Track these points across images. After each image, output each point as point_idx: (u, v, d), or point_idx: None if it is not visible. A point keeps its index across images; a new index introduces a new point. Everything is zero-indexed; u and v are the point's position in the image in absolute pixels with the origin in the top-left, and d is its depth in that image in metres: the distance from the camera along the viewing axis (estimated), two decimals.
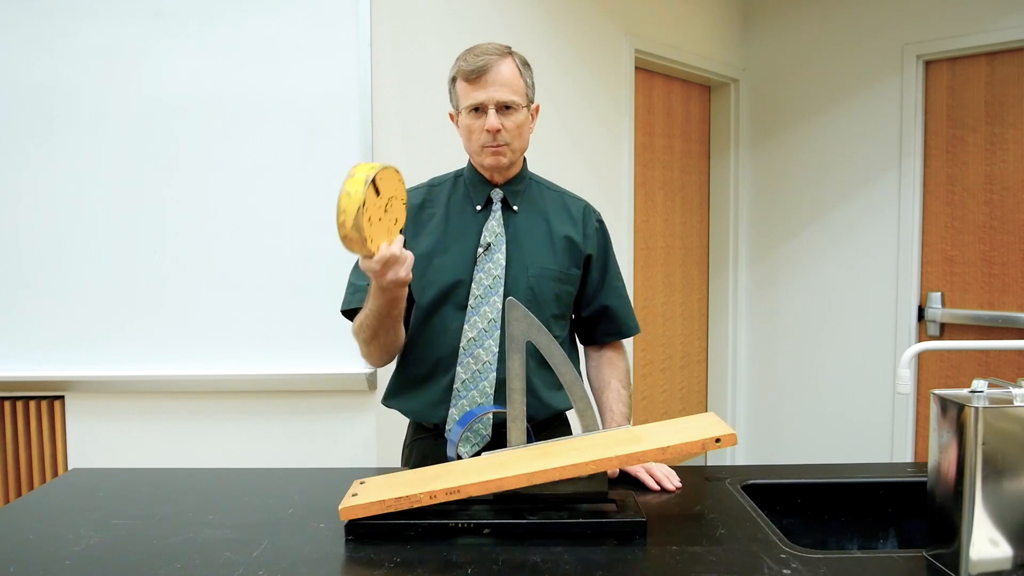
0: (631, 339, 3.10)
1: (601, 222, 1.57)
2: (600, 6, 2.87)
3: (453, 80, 1.44)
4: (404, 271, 1.24)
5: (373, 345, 1.42)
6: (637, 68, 3.08)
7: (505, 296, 1.40)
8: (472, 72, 1.38)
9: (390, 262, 1.21)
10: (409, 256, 1.25)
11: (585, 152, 2.83)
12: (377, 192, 1.18)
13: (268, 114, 2.14)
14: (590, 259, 1.52)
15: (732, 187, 3.63)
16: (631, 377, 1.58)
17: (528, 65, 1.47)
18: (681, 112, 3.51)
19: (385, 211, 1.21)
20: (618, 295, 1.57)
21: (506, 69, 1.40)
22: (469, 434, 1.43)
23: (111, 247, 2.16)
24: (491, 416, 1.41)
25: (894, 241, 3.15)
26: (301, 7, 2.13)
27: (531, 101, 1.47)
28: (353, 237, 1.17)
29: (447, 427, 1.43)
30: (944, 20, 2.98)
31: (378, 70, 2.17)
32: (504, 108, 1.40)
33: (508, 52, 1.42)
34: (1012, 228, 2.89)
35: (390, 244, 1.21)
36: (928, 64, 3.07)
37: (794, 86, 3.45)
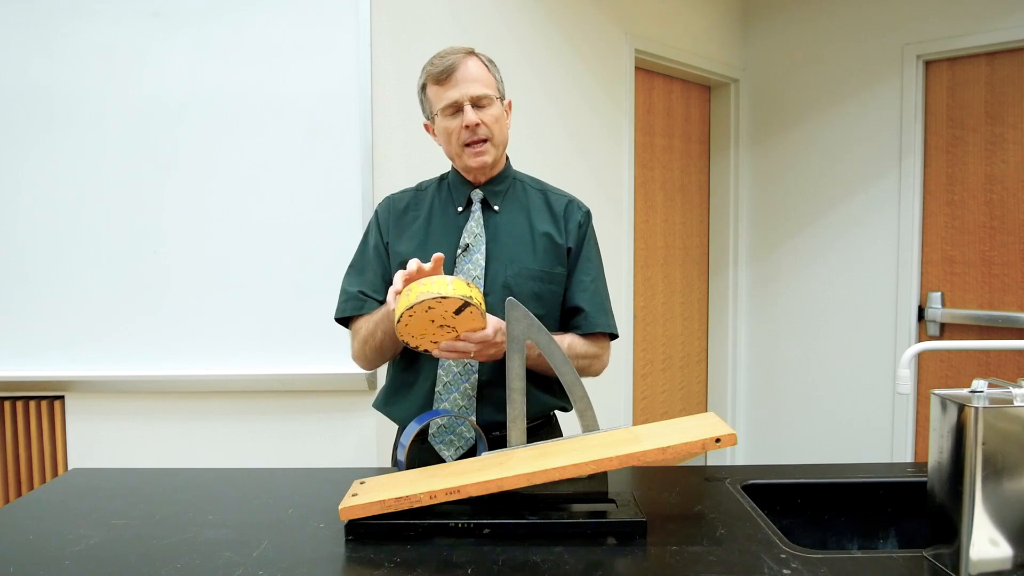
0: (630, 343, 3.14)
1: (587, 217, 1.51)
2: (600, 6, 2.87)
3: (423, 88, 1.45)
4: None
5: (375, 354, 1.44)
6: (637, 68, 3.08)
7: (485, 297, 1.38)
8: (442, 73, 1.39)
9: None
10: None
11: (585, 152, 2.83)
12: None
13: (268, 114, 2.14)
14: (571, 252, 1.48)
15: (732, 187, 3.63)
16: (597, 364, 1.50)
17: (494, 63, 1.47)
18: (681, 112, 3.51)
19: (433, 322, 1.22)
20: (582, 288, 1.47)
21: (474, 66, 1.41)
22: (452, 437, 1.43)
23: (111, 247, 2.16)
24: (474, 419, 1.39)
25: (894, 241, 3.15)
26: (301, 7, 2.13)
27: (503, 96, 1.47)
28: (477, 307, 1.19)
29: (431, 433, 1.43)
30: (944, 20, 2.98)
31: (378, 70, 2.17)
32: (479, 104, 1.40)
33: (472, 52, 1.44)
34: (1012, 228, 2.89)
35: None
36: (928, 64, 3.07)
37: (794, 86, 3.45)
